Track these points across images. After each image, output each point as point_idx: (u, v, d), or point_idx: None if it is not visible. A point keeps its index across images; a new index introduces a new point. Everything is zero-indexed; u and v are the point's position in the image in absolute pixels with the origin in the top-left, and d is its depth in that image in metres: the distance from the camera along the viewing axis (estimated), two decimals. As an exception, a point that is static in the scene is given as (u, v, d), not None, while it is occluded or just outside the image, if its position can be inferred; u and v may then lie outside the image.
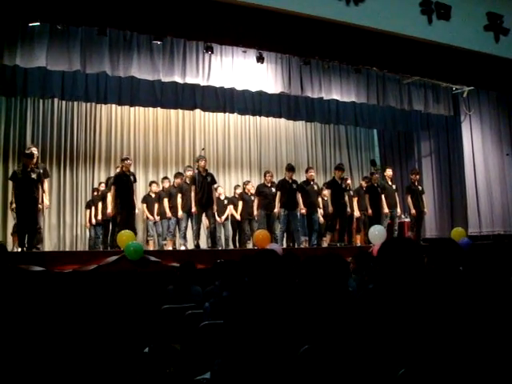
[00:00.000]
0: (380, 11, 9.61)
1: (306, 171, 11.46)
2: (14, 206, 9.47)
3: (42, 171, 9.17)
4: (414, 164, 14.51)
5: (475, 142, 13.11)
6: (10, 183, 9.81)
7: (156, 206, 11.66)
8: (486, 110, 13.42)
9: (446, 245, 2.86)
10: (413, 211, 11.74)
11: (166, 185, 11.78)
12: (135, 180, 10.04)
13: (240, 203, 11.77)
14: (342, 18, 9.40)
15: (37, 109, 12.72)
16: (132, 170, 10.55)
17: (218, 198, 11.77)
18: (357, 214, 11.74)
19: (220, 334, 3.40)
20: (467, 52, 10.72)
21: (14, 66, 9.62)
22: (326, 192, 11.28)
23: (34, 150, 9.31)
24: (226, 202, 12.04)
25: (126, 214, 9.66)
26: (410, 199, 11.81)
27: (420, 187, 12.13)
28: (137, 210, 10.92)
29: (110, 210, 10.32)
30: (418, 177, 12.22)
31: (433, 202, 13.83)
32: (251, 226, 11.43)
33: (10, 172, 10.51)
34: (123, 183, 9.67)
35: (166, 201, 11.20)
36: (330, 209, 11.02)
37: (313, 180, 11.29)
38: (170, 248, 10.84)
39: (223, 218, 11.81)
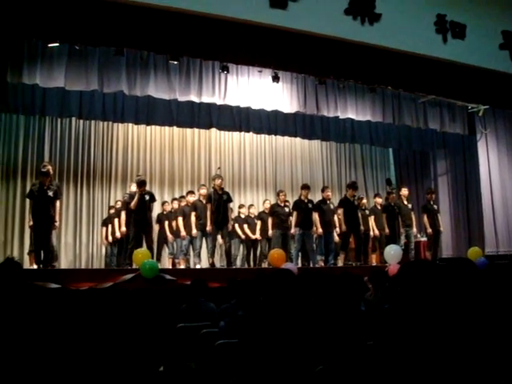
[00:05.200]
0: (395, 30, 9.65)
1: (323, 190, 11.45)
2: (31, 223, 9.54)
3: (57, 189, 9.22)
4: (429, 183, 14.45)
5: (491, 161, 13.03)
6: (28, 201, 9.90)
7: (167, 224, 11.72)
8: (502, 128, 13.36)
9: (463, 265, 2.84)
10: (429, 230, 11.69)
11: (183, 203, 11.70)
12: (153, 199, 10.04)
13: (258, 222, 11.75)
14: (357, 38, 9.45)
15: (55, 127, 12.87)
16: (148, 188, 10.62)
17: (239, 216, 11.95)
18: (375, 232, 11.68)
19: (235, 353, 3.39)
20: (483, 70, 10.71)
21: (33, 86, 9.77)
22: (340, 211, 11.23)
23: (50, 168, 9.35)
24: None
25: (138, 232, 9.68)
26: (426, 218, 11.76)
27: (435, 206, 12.07)
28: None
29: (123, 228, 10.42)
30: (433, 196, 12.16)
31: (449, 221, 13.75)
32: (268, 245, 11.40)
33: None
34: (137, 202, 9.70)
35: (180, 220, 11.14)
36: (343, 227, 10.98)
37: (329, 199, 11.28)
38: (183, 266, 10.81)
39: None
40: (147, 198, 9.82)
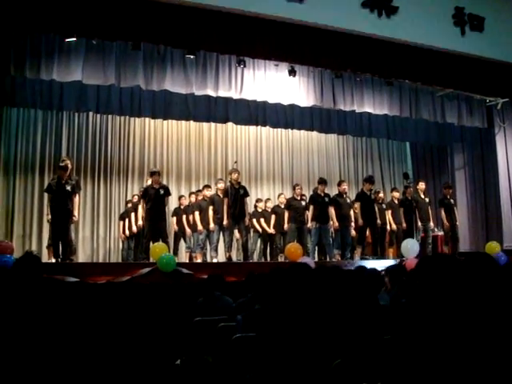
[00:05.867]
0: (412, 23, 9.60)
1: (339, 184, 11.41)
2: (49, 217, 9.63)
3: (75, 183, 9.26)
4: (447, 177, 14.36)
5: (510, 154, 12.92)
6: (46, 195, 9.99)
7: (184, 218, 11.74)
8: (521, 122, 13.24)
9: (482, 259, 2.82)
10: (446, 224, 11.62)
11: (200, 197, 11.70)
12: (167, 193, 10.04)
13: (272, 216, 11.76)
14: (374, 31, 9.42)
15: (72, 122, 12.95)
16: (164, 182, 10.65)
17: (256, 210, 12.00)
18: (393, 227, 11.64)
19: (252, 347, 3.40)
20: (501, 64, 10.63)
21: (50, 81, 9.82)
22: (356, 205, 11.21)
23: (68, 163, 9.41)
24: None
25: (153, 226, 9.71)
26: (443, 213, 11.69)
27: (452, 201, 12.00)
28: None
29: (139, 222, 10.49)
30: (450, 191, 12.09)
31: (467, 215, 13.66)
32: (284, 239, 11.40)
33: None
34: (150, 196, 9.73)
35: (196, 214, 11.17)
36: (360, 221, 10.97)
37: (345, 193, 11.25)
38: (200, 261, 10.84)
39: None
40: (162, 192, 9.83)
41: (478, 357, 2.12)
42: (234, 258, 10.89)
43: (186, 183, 13.93)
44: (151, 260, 9.01)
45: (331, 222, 10.88)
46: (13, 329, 2.96)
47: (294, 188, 11.55)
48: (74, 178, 9.55)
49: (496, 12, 10.47)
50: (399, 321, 2.86)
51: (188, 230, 11.57)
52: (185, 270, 8.58)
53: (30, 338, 2.98)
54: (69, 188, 9.00)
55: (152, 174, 10.03)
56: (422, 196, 11.81)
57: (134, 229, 11.20)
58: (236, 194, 10.12)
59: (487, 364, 2.10)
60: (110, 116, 12.92)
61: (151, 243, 9.37)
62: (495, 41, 10.38)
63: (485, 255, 2.85)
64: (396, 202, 11.88)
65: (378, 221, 11.19)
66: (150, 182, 10.31)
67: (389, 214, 11.70)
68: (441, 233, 12.48)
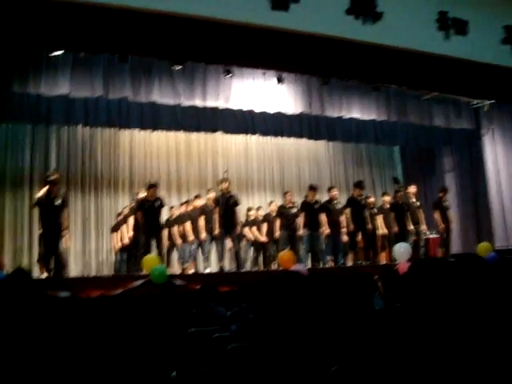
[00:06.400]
0: (397, 29, 9.64)
1: (329, 190, 11.43)
2: (41, 231, 9.58)
3: (63, 198, 9.22)
4: (436, 180, 14.43)
5: (498, 155, 13.01)
6: (36, 210, 9.93)
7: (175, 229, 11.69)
8: (508, 122, 13.31)
9: (472, 260, 2.83)
10: (442, 226, 11.64)
11: (190, 208, 11.69)
12: (162, 205, 10.03)
13: (264, 224, 11.74)
14: (360, 37, 9.43)
15: (61, 135, 12.88)
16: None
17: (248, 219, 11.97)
18: (384, 231, 11.64)
19: (248, 357, 3.39)
20: (486, 66, 10.68)
21: (38, 95, 9.80)
22: (347, 210, 11.22)
23: (57, 177, 9.35)
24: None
25: (148, 238, 9.67)
26: (438, 215, 11.71)
27: (447, 203, 12.04)
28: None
29: (130, 234, 10.43)
30: (446, 195, 12.12)
31: (457, 217, 13.69)
32: (277, 247, 11.38)
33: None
34: (145, 208, 9.69)
35: (188, 224, 11.11)
36: (351, 227, 10.97)
37: (336, 199, 11.25)
38: (192, 271, 10.80)
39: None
40: (157, 204, 9.83)
41: (473, 359, 2.12)
42: (227, 268, 10.86)
43: (176, 194, 13.86)
44: (144, 272, 8.98)
45: (323, 229, 10.89)
46: (4, 346, 2.93)
47: (284, 195, 11.55)
48: (62, 193, 9.50)
49: (479, 15, 10.52)
50: (394, 325, 2.87)
51: (179, 241, 11.54)
52: (177, 282, 8.56)
53: (23, 355, 2.96)
54: (58, 202, 8.96)
55: (150, 186, 9.99)
56: (413, 200, 11.85)
57: (126, 241, 11.15)
58: (227, 204, 10.12)
59: (482, 366, 2.11)
60: (98, 128, 12.86)
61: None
62: (479, 43, 10.43)
63: (474, 256, 2.86)
64: (387, 206, 11.89)
65: (370, 225, 11.21)
66: (143, 195, 10.26)
67: (380, 219, 11.70)
68: (433, 236, 12.52)
